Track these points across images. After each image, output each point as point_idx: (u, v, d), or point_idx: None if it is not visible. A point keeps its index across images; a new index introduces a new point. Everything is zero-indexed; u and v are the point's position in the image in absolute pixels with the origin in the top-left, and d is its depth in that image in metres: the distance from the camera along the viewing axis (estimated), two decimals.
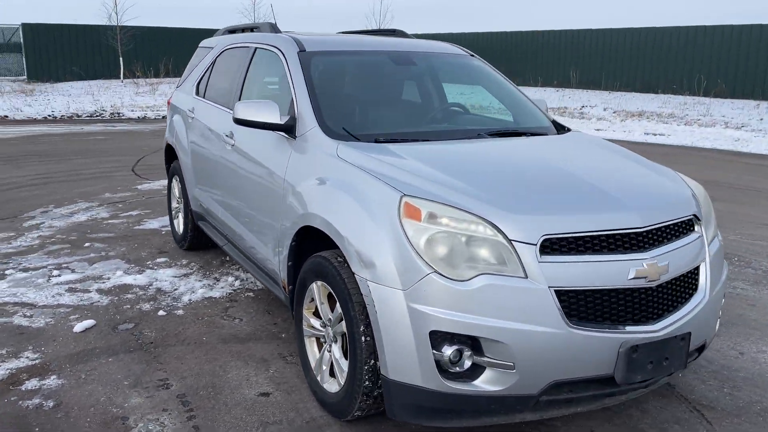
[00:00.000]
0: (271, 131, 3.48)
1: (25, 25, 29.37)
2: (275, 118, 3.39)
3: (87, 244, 5.84)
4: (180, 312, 4.34)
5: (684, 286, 2.82)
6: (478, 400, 2.49)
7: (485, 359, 2.46)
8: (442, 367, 2.46)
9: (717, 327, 3.10)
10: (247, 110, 3.39)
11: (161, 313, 4.31)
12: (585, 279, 2.49)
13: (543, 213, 2.58)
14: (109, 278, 4.95)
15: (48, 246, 5.79)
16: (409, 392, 2.50)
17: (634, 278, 2.54)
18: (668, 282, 2.69)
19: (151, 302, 4.51)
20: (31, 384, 3.38)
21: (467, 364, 2.48)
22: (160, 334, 3.98)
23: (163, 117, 17.40)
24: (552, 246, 2.50)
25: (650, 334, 2.58)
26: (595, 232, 2.55)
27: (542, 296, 2.43)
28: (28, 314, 4.26)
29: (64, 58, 29.42)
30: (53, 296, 4.58)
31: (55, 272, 5.06)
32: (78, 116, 18.11)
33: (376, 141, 3.29)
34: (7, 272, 5.05)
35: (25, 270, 5.12)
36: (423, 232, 2.47)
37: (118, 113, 18.84)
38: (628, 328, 2.56)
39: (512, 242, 2.46)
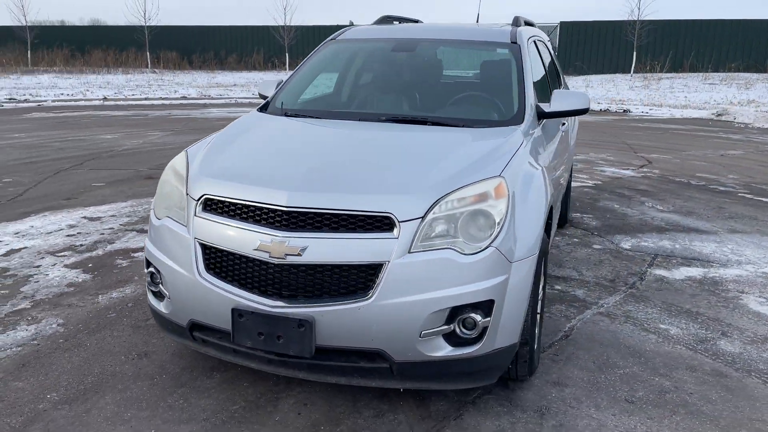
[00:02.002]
0: None
1: (562, 24, 32.80)
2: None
3: None
4: None
5: (341, 277, 2.50)
6: (155, 313, 3.01)
7: (159, 284, 2.93)
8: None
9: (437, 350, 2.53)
10: None
11: None
12: (219, 239, 2.68)
13: (220, 178, 2.80)
14: None
15: None
16: None
17: (256, 249, 2.56)
18: (306, 266, 2.51)
19: None
20: None
21: (154, 289, 2.98)
22: None
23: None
24: (211, 205, 2.76)
25: (259, 305, 2.55)
26: (242, 200, 2.66)
27: (189, 244, 2.76)
28: None
29: (592, 53, 31.73)
30: None
31: None
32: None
33: (285, 114, 3.74)
34: None
35: None
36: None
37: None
38: (240, 292, 2.60)
39: (188, 196, 2.84)
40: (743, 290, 4.41)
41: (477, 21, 5.17)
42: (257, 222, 2.60)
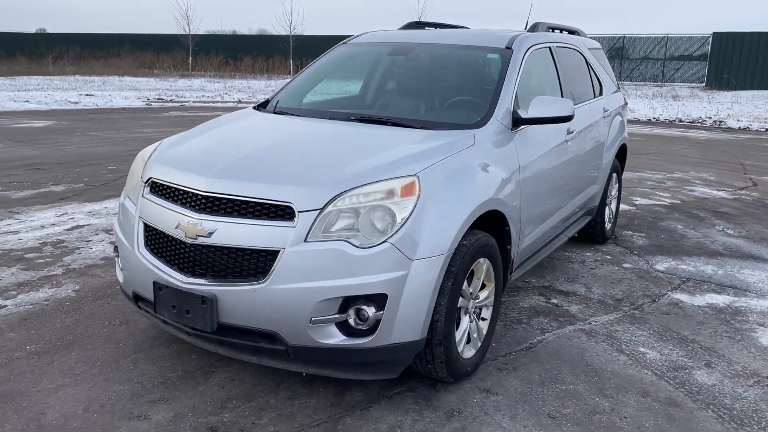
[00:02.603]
0: None
1: (715, 34, 30.61)
2: None
3: None
4: None
5: (243, 260, 2.68)
6: (119, 282, 3.35)
7: (117, 257, 3.29)
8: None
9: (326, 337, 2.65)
10: None
11: None
12: (154, 218, 2.99)
13: (168, 164, 3.09)
14: None
15: None
16: None
17: (176, 229, 2.83)
18: (214, 247, 2.73)
19: None
20: None
21: (117, 260, 3.35)
22: None
23: None
24: (154, 188, 3.08)
25: (173, 280, 2.80)
26: (173, 184, 2.93)
27: (135, 222, 3.10)
28: None
29: (747, 66, 29.37)
30: None
31: None
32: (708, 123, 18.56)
33: (273, 111, 4.00)
34: None
35: None
36: None
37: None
38: (163, 267, 2.87)
39: (141, 179, 3.19)
40: (764, 323, 4.01)
41: (526, 27, 5.10)
42: (181, 204, 2.85)
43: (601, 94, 5.25)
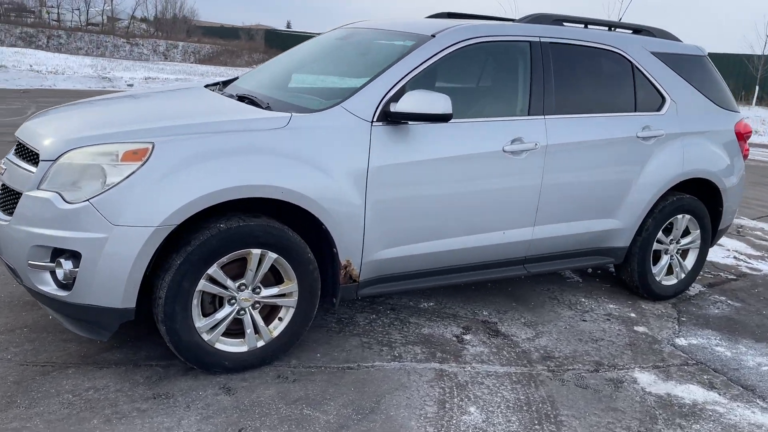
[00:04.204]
0: None
1: None
2: None
3: None
4: None
5: (11, 198, 2.95)
6: None
7: None
8: None
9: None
10: None
11: None
12: None
13: None
14: None
15: None
16: None
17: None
18: (3, 185, 3.08)
19: None
20: None
21: None
22: None
23: None
24: None
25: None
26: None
27: None
28: None
29: None
30: None
31: None
32: None
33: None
34: None
35: None
36: None
37: None
38: None
39: None
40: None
41: (613, 24, 4.35)
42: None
43: (659, 109, 4.14)
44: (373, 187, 3.12)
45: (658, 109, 4.15)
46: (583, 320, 3.98)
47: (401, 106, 3.10)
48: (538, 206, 3.68)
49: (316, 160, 2.97)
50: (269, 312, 3.08)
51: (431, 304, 4.01)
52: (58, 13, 49.93)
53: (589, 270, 4.93)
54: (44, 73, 19.69)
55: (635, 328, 3.94)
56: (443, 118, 3.11)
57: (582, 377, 3.27)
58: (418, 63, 3.31)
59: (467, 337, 3.60)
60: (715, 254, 5.71)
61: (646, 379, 3.31)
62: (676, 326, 4.04)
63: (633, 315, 4.14)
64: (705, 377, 3.40)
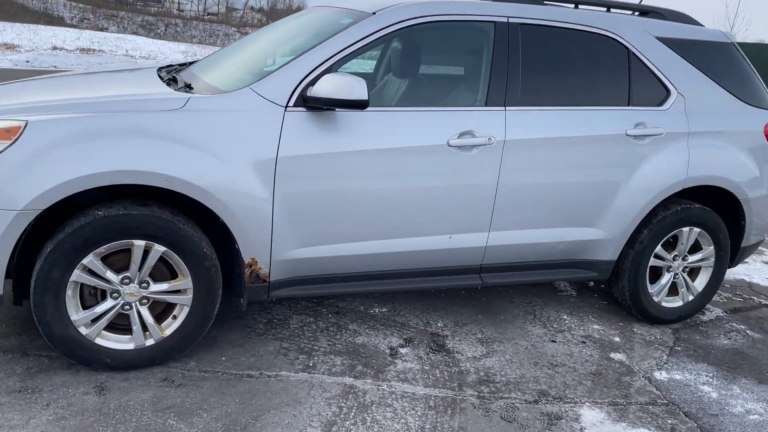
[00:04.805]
0: None
1: None
2: None
3: None
4: None
5: None
6: None
7: None
8: None
9: None
10: None
11: None
12: None
13: None
14: None
15: None
16: None
17: None
18: None
19: None
20: None
21: None
22: None
23: None
24: None
25: None
26: None
27: None
28: None
29: None
30: None
31: None
32: None
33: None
34: None
35: None
36: None
37: None
38: None
39: None
40: None
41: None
42: None
43: (661, 103, 3.57)
44: (283, 179, 2.82)
45: (660, 104, 3.57)
46: (553, 341, 3.51)
47: (317, 90, 2.79)
48: (493, 209, 3.25)
49: (213, 147, 2.71)
50: (165, 309, 2.86)
51: (384, 309, 3.67)
52: (179, 2, 52.42)
53: (591, 283, 4.39)
54: (136, 58, 20.61)
55: (611, 355, 3.43)
56: (359, 105, 2.77)
57: (514, 408, 2.83)
58: (349, 43, 2.97)
59: (404, 350, 3.24)
60: (758, 274, 4.98)
61: (591, 418, 2.83)
62: (665, 356, 3.48)
63: (617, 340, 3.61)
64: (668, 422, 2.87)
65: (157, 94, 2.86)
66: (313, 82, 2.84)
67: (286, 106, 2.84)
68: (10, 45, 20.84)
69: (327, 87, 2.76)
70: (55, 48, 22.27)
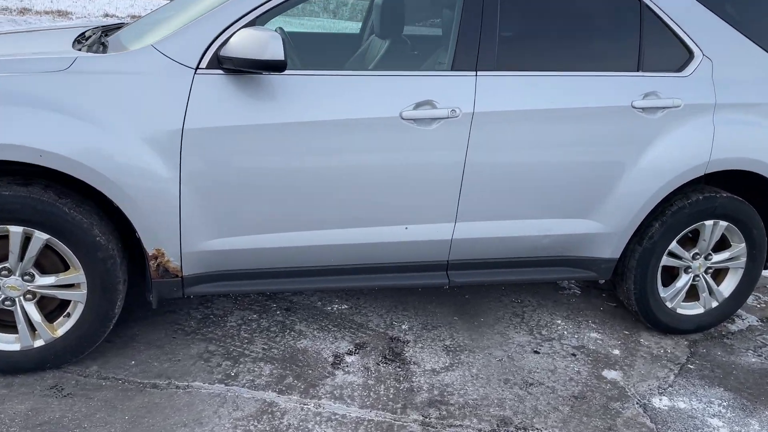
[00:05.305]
0: None
1: None
2: None
3: None
4: None
5: None
6: None
7: None
8: None
9: None
10: None
11: None
12: None
13: None
14: None
15: None
16: None
17: None
18: None
19: None
20: None
21: None
22: None
23: None
24: None
25: None
26: None
27: None
28: None
29: None
30: None
31: None
32: None
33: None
34: None
35: None
36: None
37: None
38: None
39: None
40: None
41: None
42: None
43: (681, 69, 2.90)
44: (192, 156, 2.36)
45: (680, 69, 2.91)
46: (536, 352, 2.96)
47: (228, 48, 2.30)
48: (459, 196, 2.70)
49: (103, 117, 2.27)
50: (60, 306, 2.48)
51: (344, 307, 3.20)
52: None
53: (601, 281, 3.78)
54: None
55: (604, 372, 2.85)
56: (274, 66, 2.26)
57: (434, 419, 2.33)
58: None
59: (350, 359, 2.76)
60: None
61: None
62: (671, 377, 2.88)
63: (615, 353, 3.03)
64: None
65: (43, 54, 2.43)
66: (228, 40, 2.35)
67: (196, 68, 2.36)
68: (63, 12, 21.08)
69: (238, 45, 2.27)
70: (107, 15, 22.46)
